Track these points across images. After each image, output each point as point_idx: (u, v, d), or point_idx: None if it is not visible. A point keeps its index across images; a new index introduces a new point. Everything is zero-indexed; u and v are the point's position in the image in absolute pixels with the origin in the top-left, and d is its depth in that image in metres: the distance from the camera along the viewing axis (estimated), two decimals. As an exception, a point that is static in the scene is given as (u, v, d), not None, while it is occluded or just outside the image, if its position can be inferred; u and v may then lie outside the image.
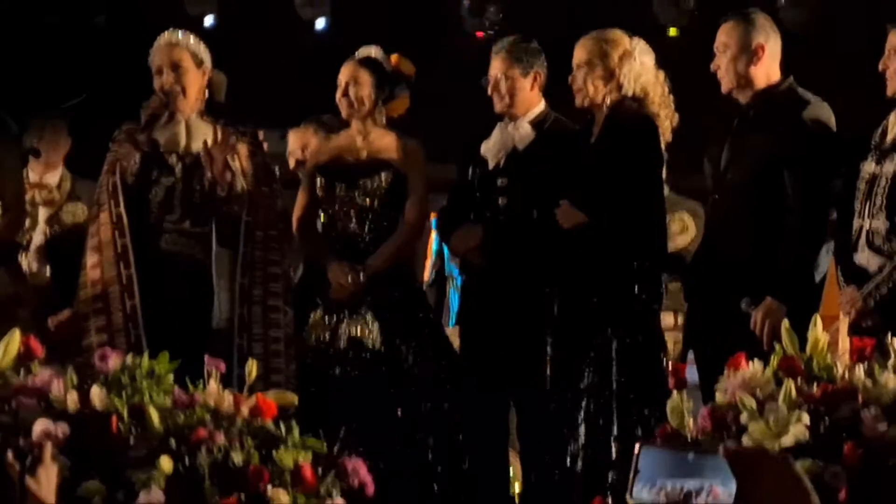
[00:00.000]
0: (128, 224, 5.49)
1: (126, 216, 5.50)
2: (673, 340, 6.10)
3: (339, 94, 5.98)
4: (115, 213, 5.51)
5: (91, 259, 5.50)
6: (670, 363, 5.48)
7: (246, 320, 5.48)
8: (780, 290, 5.21)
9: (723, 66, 5.48)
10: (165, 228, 5.57)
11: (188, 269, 5.56)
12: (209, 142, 5.52)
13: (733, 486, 2.16)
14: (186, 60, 5.64)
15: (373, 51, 6.06)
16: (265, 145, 5.89)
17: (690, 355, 5.63)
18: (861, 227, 5.06)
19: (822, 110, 5.37)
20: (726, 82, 5.49)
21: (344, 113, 6.01)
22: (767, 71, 5.46)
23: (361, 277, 5.82)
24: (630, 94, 5.67)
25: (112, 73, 8.20)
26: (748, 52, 5.43)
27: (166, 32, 5.71)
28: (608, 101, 5.69)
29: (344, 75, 5.98)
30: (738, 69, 5.45)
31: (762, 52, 5.43)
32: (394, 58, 6.06)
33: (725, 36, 5.48)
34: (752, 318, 5.23)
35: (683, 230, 6.77)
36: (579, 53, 5.74)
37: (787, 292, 5.20)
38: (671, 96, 5.75)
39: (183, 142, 5.63)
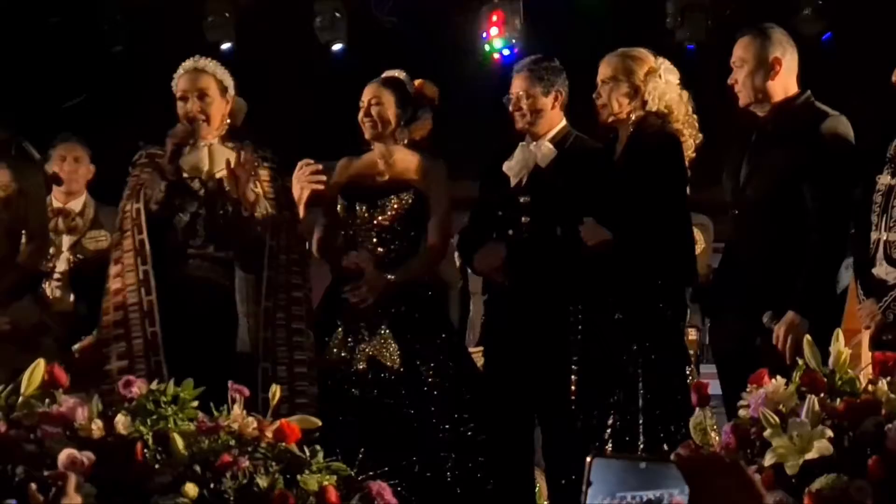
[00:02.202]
0: (150, 251, 5.50)
1: (148, 243, 5.51)
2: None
3: (361, 114, 5.99)
4: (138, 239, 5.52)
5: (114, 285, 5.51)
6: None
7: (270, 344, 5.48)
8: (801, 304, 5.20)
9: (740, 81, 5.48)
10: (189, 254, 5.58)
11: (212, 294, 5.56)
12: (232, 162, 5.53)
13: (688, 493, 2.17)
14: (212, 88, 5.66)
15: (397, 72, 6.07)
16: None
17: (713, 369, 5.62)
18: (878, 240, 5.04)
19: (840, 123, 5.36)
20: (744, 97, 5.49)
21: (366, 133, 6.01)
22: (785, 85, 5.46)
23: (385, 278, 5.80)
24: (654, 110, 5.69)
25: (132, 99, 8.25)
26: (765, 67, 5.43)
27: (191, 59, 5.72)
28: (633, 117, 5.71)
29: (367, 95, 5.99)
30: (755, 83, 5.45)
31: (779, 67, 5.43)
32: (418, 81, 6.08)
33: (742, 51, 5.49)
34: (774, 332, 5.21)
35: (695, 243, 6.76)
36: (604, 70, 5.76)
37: (808, 306, 5.19)
38: (695, 116, 5.76)
39: (206, 167, 5.65)
